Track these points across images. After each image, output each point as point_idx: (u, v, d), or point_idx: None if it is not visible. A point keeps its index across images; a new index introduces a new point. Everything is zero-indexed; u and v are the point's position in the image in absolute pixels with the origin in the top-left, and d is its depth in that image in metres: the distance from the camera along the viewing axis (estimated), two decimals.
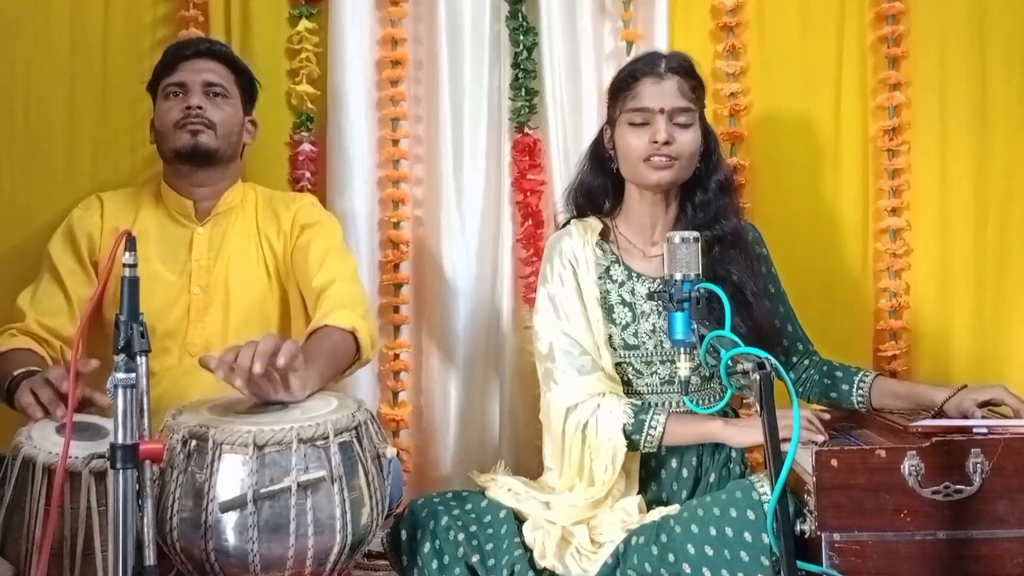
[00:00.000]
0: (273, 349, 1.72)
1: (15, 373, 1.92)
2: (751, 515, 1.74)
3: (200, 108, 2.15)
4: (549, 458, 2.12)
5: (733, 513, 1.76)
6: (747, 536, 1.73)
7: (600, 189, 2.17)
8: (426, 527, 1.90)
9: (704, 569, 1.75)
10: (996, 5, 2.57)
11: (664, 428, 1.95)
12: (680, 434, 1.97)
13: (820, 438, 1.87)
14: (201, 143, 2.15)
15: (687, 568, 1.76)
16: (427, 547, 1.89)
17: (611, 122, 2.12)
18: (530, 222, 2.59)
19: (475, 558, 1.86)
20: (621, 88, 2.09)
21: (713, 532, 1.76)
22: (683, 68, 2.07)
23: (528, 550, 1.88)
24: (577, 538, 1.90)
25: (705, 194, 2.12)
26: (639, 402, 2.01)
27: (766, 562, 1.72)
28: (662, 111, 2.02)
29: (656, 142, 2.01)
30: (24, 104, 2.51)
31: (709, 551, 1.75)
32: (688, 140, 2.04)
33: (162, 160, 2.25)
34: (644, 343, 2.06)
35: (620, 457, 1.94)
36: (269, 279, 2.24)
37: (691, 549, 1.77)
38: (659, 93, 2.03)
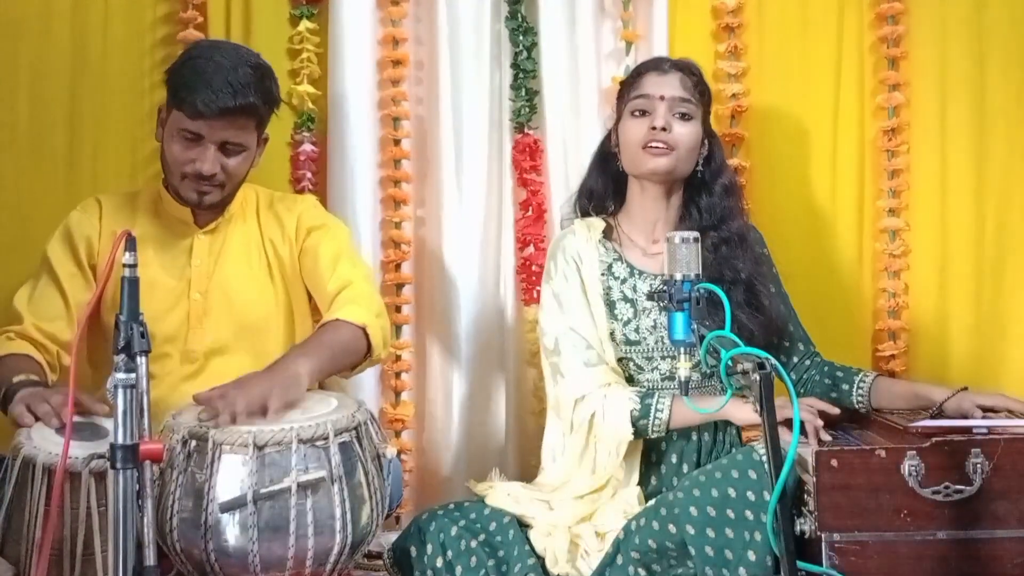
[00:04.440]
0: (260, 407, 1.74)
1: (13, 380, 1.91)
2: (752, 475, 1.75)
3: (212, 175, 2.08)
4: (548, 455, 2.14)
5: (735, 474, 1.77)
6: (750, 495, 1.74)
7: (603, 190, 2.19)
8: (436, 540, 1.90)
9: (708, 529, 1.76)
10: (995, 5, 2.56)
11: (671, 411, 1.97)
12: (687, 413, 1.96)
13: (820, 425, 1.88)
14: (205, 202, 2.12)
15: (690, 530, 1.77)
16: (440, 561, 1.89)
17: (617, 119, 2.17)
18: (533, 221, 2.60)
19: (491, 563, 1.87)
20: (626, 84, 2.17)
21: (715, 494, 1.77)
22: (688, 67, 2.14)
23: (539, 557, 1.89)
24: (584, 540, 1.91)
25: (710, 197, 2.13)
26: (643, 388, 2.03)
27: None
28: (662, 98, 2.07)
29: (655, 128, 2.05)
30: (26, 105, 2.51)
31: (712, 511, 1.76)
32: (687, 132, 2.08)
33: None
34: (645, 339, 2.07)
35: (623, 446, 1.97)
36: (272, 282, 2.22)
37: (693, 511, 1.77)
38: (661, 83, 2.10)
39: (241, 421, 1.70)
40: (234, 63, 2.06)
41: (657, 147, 2.06)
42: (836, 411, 1.98)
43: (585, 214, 2.20)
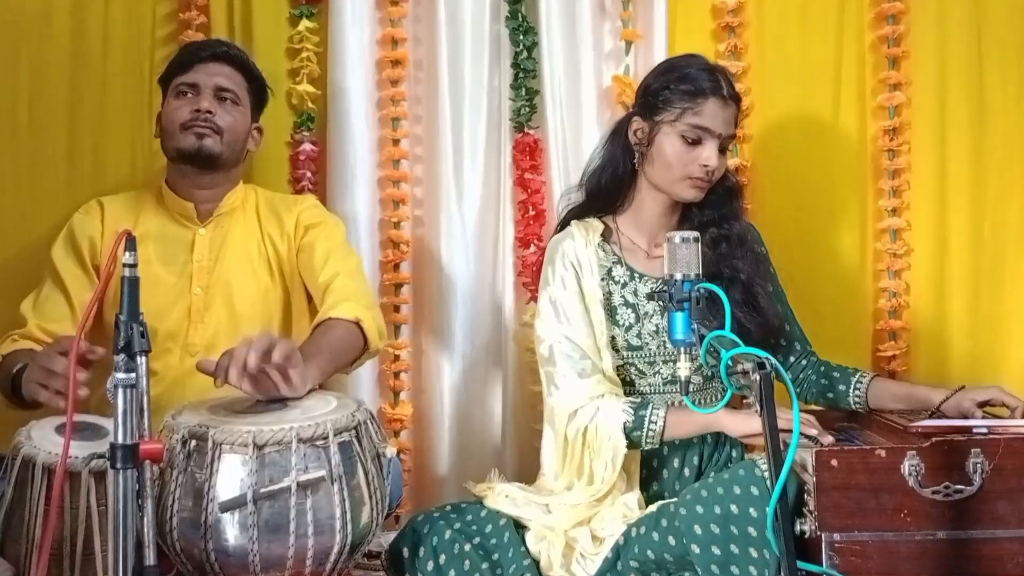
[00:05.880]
0: (268, 345, 1.73)
1: (14, 370, 1.93)
2: (755, 491, 1.74)
3: (209, 112, 2.15)
4: (547, 461, 2.12)
5: (737, 491, 1.75)
6: (752, 512, 1.73)
7: (616, 189, 2.13)
8: (428, 543, 1.90)
9: (713, 547, 1.75)
10: (994, 5, 2.57)
11: (664, 422, 1.94)
12: (681, 425, 1.96)
13: (828, 439, 1.86)
14: (205, 147, 2.16)
15: (695, 548, 1.76)
16: (431, 564, 1.88)
17: (650, 119, 2.06)
18: (532, 221, 2.59)
19: (484, 565, 1.86)
20: (684, 96, 2.02)
21: (718, 510, 1.75)
22: (739, 97, 2.08)
23: (535, 559, 1.89)
24: (580, 543, 1.90)
25: (713, 198, 2.11)
26: (638, 399, 2.01)
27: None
28: (719, 136, 2.02)
29: (706, 166, 2.02)
30: (26, 105, 2.52)
31: (715, 529, 1.75)
32: (724, 165, 2.07)
33: (166, 157, 2.25)
34: (647, 344, 2.06)
35: (619, 458, 1.94)
36: (272, 279, 2.24)
37: (698, 530, 1.76)
38: (722, 119, 2.03)
39: (251, 361, 1.70)
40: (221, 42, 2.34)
41: (702, 183, 2.04)
42: (829, 439, 1.90)
43: (592, 201, 2.15)
